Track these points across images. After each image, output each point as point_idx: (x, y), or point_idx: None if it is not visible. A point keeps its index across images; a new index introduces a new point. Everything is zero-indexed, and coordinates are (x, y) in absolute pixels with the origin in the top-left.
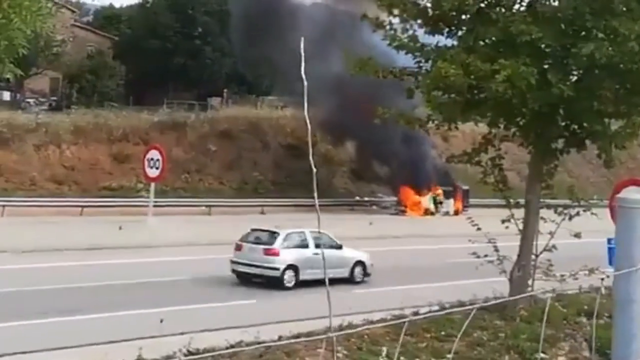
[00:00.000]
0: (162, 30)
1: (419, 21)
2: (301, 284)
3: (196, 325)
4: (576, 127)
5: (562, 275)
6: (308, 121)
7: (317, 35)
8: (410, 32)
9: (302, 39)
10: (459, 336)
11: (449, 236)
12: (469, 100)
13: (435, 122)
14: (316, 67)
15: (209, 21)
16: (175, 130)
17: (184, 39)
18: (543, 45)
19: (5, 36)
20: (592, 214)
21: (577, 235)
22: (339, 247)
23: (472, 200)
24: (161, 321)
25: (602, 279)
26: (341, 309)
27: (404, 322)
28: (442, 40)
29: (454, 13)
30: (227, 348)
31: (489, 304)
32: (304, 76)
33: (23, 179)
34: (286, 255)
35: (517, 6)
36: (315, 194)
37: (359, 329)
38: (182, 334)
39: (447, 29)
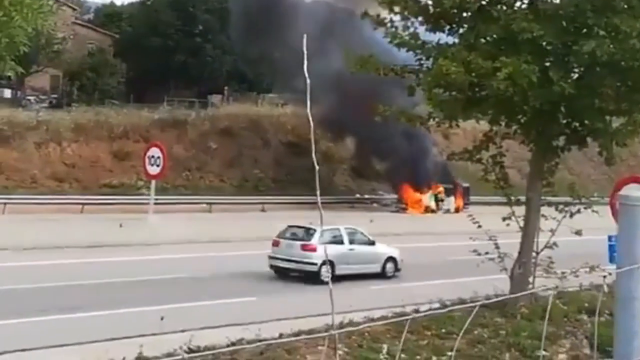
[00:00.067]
0: (163, 28)
1: (420, 19)
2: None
3: (197, 322)
4: (577, 124)
5: (562, 273)
6: (311, 119)
7: (317, 32)
8: (411, 29)
9: (305, 36)
10: (460, 334)
11: (450, 234)
12: (470, 98)
13: (436, 119)
14: (316, 64)
15: (209, 19)
16: (175, 127)
17: (184, 37)
18: (544, 43)
19: (6, 34)
20: (593, 211)
21: (578, 233)
22: (372, 243)
23: (472, 198)
24: (162, 319)
25: (604, 277)
26: (343, 307)
27: (406, 320)
28: (443, 37)
29: (455, 10)
30: (228, 345)
31: (490, 301)
32: (306, 74)
33: (24, 176)
34: (323, 251)
35: (518, 4)
36: (318, 192)
37: (362, 326)
38: (182, 331)
39: (448, 27)
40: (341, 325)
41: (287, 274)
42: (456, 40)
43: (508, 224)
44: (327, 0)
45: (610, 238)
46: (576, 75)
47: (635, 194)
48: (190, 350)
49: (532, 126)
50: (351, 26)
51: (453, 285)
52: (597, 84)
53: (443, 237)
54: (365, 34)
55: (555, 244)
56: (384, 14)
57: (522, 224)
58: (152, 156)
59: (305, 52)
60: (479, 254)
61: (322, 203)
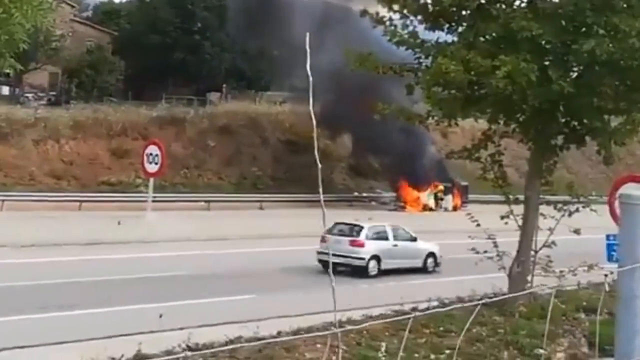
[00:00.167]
0: (162, 26)
1: (419, 17)
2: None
3: (195, 320)
4: (576, 123)
5: (561, 272)
6: (313, 116)
7: (314, 29)
8: (410, 28)
9: (307, 35)
10: (462, 333)
11: (448, 232)
12: (469, 97)
13: (435, 118)
14: (314, 61)
15: (208, 16)
16: (174, 125)
17: (183, 34)
18: (543, 42)
19: (5, 31)
20: (592, 210)
21: (577, 232)
22: (414, 239)
23: (470, 196)
24: (160, 316)
25: (605, 275)
26: (346, 305)
27: (408, 319)
28: (442, 36)
29: (454, 9)
30: (226, 343)
31: (492, 300)
32: (309, 72)
33: (22, 173)
34: (370, 246)
35: (517, 2)
36: (321, 190)
37: (364, 325)
38: (181, 329)
39: (447, 25)
40: (341, 324)
41: (334, 268)
42: (455, 39)
43: (507, 223)
44: None
45: (608, 237)
46: (575, 74)
47: (637, 194)
48: (189, 348)
49: (531, 125)
50: (348, 22)
51: (451, 283)
52: (596, 83)
53: (441, 235)
54: (362, 30)
55: (553, 242)
56: (383, 12)
57: (520, 222)
58: (151, 154)
59: (307, 49)
60: (478, 253)
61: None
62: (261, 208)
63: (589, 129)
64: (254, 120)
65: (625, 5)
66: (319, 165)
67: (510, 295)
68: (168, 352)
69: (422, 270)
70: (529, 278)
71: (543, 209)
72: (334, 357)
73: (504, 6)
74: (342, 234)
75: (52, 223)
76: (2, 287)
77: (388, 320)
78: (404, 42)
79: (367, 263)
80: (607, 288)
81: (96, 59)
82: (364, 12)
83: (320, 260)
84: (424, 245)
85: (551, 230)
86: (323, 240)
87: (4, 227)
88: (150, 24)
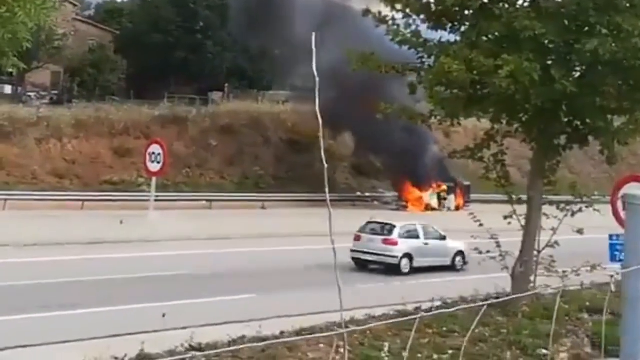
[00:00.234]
0: (164, 25)
1: (422, 16)
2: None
3: (197, 319)
4: (579, 123)
5: (564, 272)
6: (319, 117)
7: (316, 27)
8: (413, 27)
9: (314, 34)
10: (469, 334)
11: (451, 232)
12: (471, 96)
13: (438, 117)
14: (311, 61)
15: (210, 15)
16: (176, 124)
17: (185, 33)
18: (546, 41)
19: (9, 30)
20: (595, 210)
21: (580, 232)
22: (443, 238)
23: (473, 196)
24: (164, 315)
25: (612, 276)
26: (351, 304)
27: (415, 320)
28: (445, 35)
29: (457, 8)
30: (229, 343)
31: (498, 300)
32: (315, 72)
33: (24, 172)
34: (403, 245)
35: (520, 2)
36: (327, 190)
37: (372, 325)
38: (183, 328)
39: (450, 25)
40: (345, 324)
41: (365, 265)
42: (458, 38)
43: (509, 223)
44: None
45: (611, 237)
46: (578, 74)
47: None
48: (192, 348)
49: (533, 124)
50: (348, 21)
51: (454, 282)
52: (599, 83)
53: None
54: (363, 29)
55: (556, 242)
56: (386, 11)
57: (523, 222)
58: (153, 153)
59: (314, 49)
60: (480, 252)
61: (323, 201)
62: (263, 207)
63: (591, 128)
64: (256, 119)
65: (628, 5)
66: (325, 165)
67: (517, 296)
68: (171, 352)
69: (451, 268)
70: (531, 278)
71: (546, 209)
72: (337, 357)
73: (506, 5)
74: (374, 232)
75: (55, 222)
76: (5, 287)
77: (394, 321)
78: (406, 41)
79: (400, 261)
80: (612, 289)
81: (98, 58)
82: (367, 12)
83: (353, 258)
84: (453, 244)
85: (554, 230)
86: (357, 239)
87: (6, 226)
88: (152, 23)
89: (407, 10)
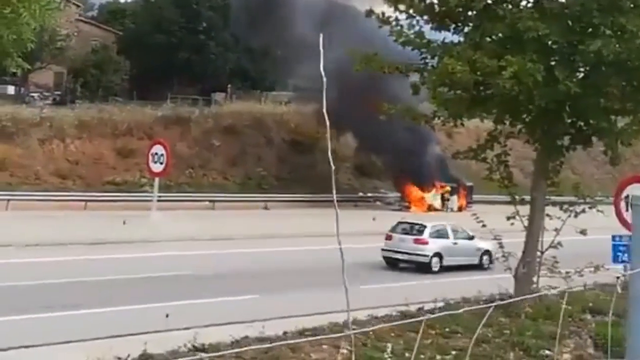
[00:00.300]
0: (167, 25)
1: (425, 17)
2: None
3: (200, 320)
4: (582, 124)
5: (567, 272)
6: (327, 118)
7: (318, 27)
8: (417, 28)
9: (321, 35)
10: (475, 336)
11: None
12: (475, 97)
13: (441, 118)
14: (318, 60)
15: (213, 16)
16: (179, 125)
17: (188, 34)
18: (550, 42)
19: (13, 30)
20: (599, 211)
21: (583, 232)
22: (471, 237)
23: (475, 197)
24: (167, 316)
25: (618, 278)
26: (353, 304)
27: (420, 321)
28: (449, 36)
29: (461, 9)
30: (232, 344)
31: (504, 302)
32: (322, 73)
33: (27, 173)
34: (433, 244)
35: (524, 2)
36: (334, 191)
37: (379, 326)
38: (186, 329)
39: (453, 25)
40: (345, 324)
41: (396, 264)
42: (461, 39)
43: (512, 223)
44: None
45: (614, 238)
46: (582, 75)
47: None
48: (195, 348)
49: (537, 125)
50: (349, 20)
51: (456, 283)
52: (602, 84)
53: None
54: (364, 28)
55: (559, 243)
56: (389, 12)
57: (526, 223)
58: (156, 153)
59: (321, 50)
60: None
61: (324, 201)
62: (266, 208)
63: (595, 129)
64: (258, 120)
65: (632, 6)
66: (333, 167)
67: (521, 297)
68: (174, 352)
69: (478, 267)
70: (534, 279)
71: (549, 209)
72: (339, 358)
73: (510, 6)
74: (405, 232)
75: (57, 222)
76: (7, 287)
77: (402, 322)
78: (410, 42)
79: (430, 260)
80: (619, 290)
81: (101, 59)
82: (370, 12)
83: (385, 257)
84: (480, 244)
85: (557, 230)
86: (388, 238)
87: (9, 227)
88: (155, 24)
89: (411, 11)
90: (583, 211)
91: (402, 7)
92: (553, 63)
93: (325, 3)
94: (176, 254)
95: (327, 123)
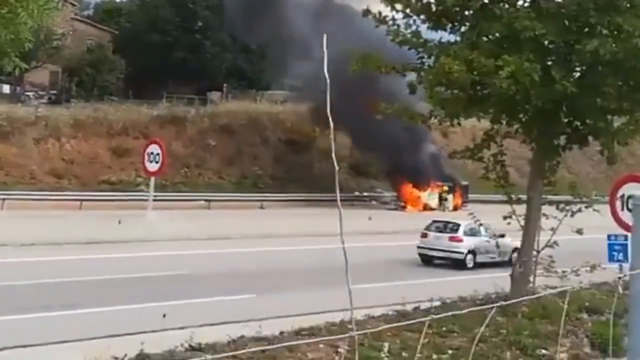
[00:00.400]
0: (162, 24)
1: (422, 17)
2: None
3: (196, 319)
4: (579, 123)
5: (563, 272)
6: (331, 119)
7: (314, 24)
8: (414, 27)
9: (325, 36)
10: (477, 337)
11: None
12: (471, 96)
13: (438, 117)
14: (313, 58)
15: (209, 15)
16: (174, 124)
17: (184, 33)
18: (547, 42)
19: (11, 30)
20: (595, 210)
21: (579, 232)
22: (502, 235)
23: (470, 196)
24: (164, 316)
25: (619, 278)
26: (354, 303)
27: (426, 321)
28: (445, 36)
29: (458, 9)
30: (228, 343)
31: (507, 303)
32: (326, 74)
33: (23, 172)
34: (467, 242)
35: (520, 2)
36: (337, 192)
37: (381, 327)
38: (181, 328)
39: (450, 25)
40: (342, 324)
41: (430, 261)
42: (458, 39)
43: (509, 223)
44: None
45: (609, 237)
46: (578, 74)
47: None
48: (192, 348)
49: (533, 125)
50: (343, 18)
51: (453, 282)
52: (599, 83)
53: None
54: (359, 25)
55: (556, 242)
56: (386, 11)
57: (522, 222)
58: (151, 153)
59: (325, 51)
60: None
61: (321, 200)
62: (262, 207)
63: (591, 129)
64: (254, 119)
65: (628, 5)
66: (336, 168)
67: (522, 298)
68: (171, 352)
69: (508, 263)
70: (531, 278)
71: (545, 209)
72: (336, 358)
73: (507, 6)
74: (440, 230)
75: (53, 222)
76: (3, 286)
77: (406, 323)
78: (407, 41)
79: (465, 257)
80: (620, 290)
81: (97, 58)
82: (367, 12)
83: (420, 254)
84: (510, 242)
85: (553, 230)
86: (424, 236)
87: (4, 226)
88: (151, 23)
89: (407, 11)
90: (579, 210)
91: (398, 6)
92: (550, 63)
93: (320, 2)
94: (172, 254)
95: (331, 125)
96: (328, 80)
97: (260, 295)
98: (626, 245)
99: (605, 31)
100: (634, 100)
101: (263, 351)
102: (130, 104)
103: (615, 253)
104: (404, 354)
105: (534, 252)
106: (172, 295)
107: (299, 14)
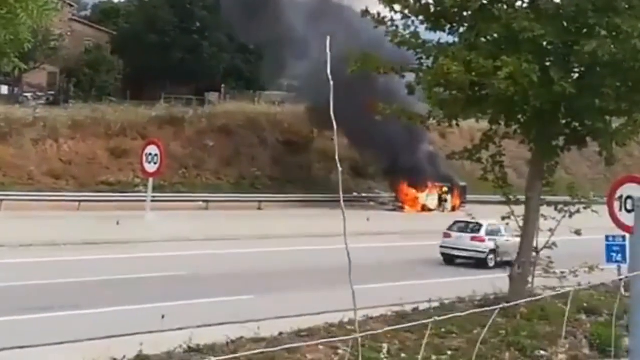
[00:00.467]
0: (161, 25)
1: (421, 17)
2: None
3: (195, 320)
4: (577, 124)
5: (562, 273)
6: (334, 121)
7: (311, 24)
8: (412, 28)
9: (328, 38)
10: (481, 338)
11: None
12: (470, 97)
13: (437, 118)
14: (310, 58)
15: (207, 16)
16: (173, 125)
17: (182, 34)
18: (545, 43)
19: (10, 31)
20: (593, 211)
21: (578, 233)
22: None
23: (469, 197)
24: (163, 317)
25: (621, 279)
26: (349, 304)
27: (429, 323)
28: (444, 37)
29: (456, 9)
30: (227, 344)
31: (511, 304)
32: (329, 76)
33: (21, 173)
34: (489, 242)
35: (519, 3)
36: (341, 193)
37: (384, 329)
38: (180, 329)
39: (449, 26)
40: (341, 325)
41: (452, 260)
42: (457, 40)
43: (507, 224)
44: None
45: (607, 238)
46: (577, 75)
47: None
48: (190, 349)
49: (532, 126)
50: (340, 17)
51: (451, 283)
52: (597, 84)
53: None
54: (355, 24)
55: (554, 244)
56: (385, 12)
57: (521, 223)
58: (150, 154)
59: (328, 52)
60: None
61: (319, 201)
62: (260, 208)
63: (590, 130)
64: (252, 120)
65: (627, 6)
66: (340, 169)
67: (524, 300)
68: (170, 353)
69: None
70: (529, 279)
71: (543, 210)
72: (335, 358)
73: (505, 7)
74: (462, 230)
75: (51, 223)
76: (1, 287)
77: (411, 324)
78: (405, 42)
79: (487, 256)
80: (623, 292)
81: (95, 59)
82: (366, 13)
83: (443, 254)
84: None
85: (552, 231)
86: (446, 236)
87: (2, 227)
88: (149, 24)
89: (406, 12)
90: (578, 211)
91: (397, 7)
92: (548, 64)
93: (318, 1)
94: (170, 255)
95: (335, 127)
96: (332, 82)
97: (259, 296)
98: (624, 246)
99: (603, 32)
100: (632, 101)
101: (262, 352)
102: (129, 104)
103: (613, 254)
104: (402, 354)
105: (533, 253)
106: (170, 296)
107: (296, 13)
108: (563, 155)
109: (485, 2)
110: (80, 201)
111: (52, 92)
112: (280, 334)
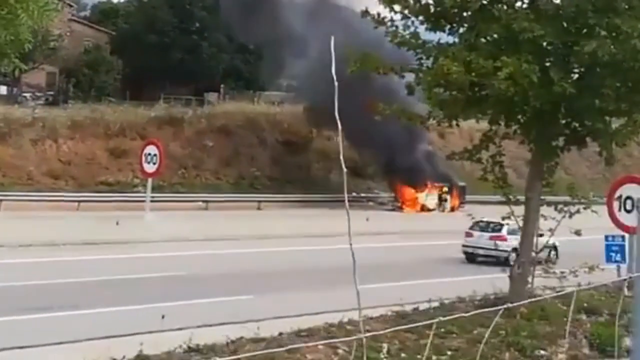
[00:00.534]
0: (160, 25)
1: (421, 18)
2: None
3: (195, 320)
4: (577, 125)
5: (562, 273)
6: (339, 122)
7: (310, 23)
8: (412, 29)
9: (332, 38)
10: (484, 339)
11: (448, 232)
12: (470, 98)
13: (436, 119)
14: (309, 58)
15: (206, 16)
16: (172, 125)
17: (181, 34)
18: (545, 43)
19: (11, 31)
20: (593, 211)
21: (577, 233)
22: (541, 235)
23: (468, 197)
24: (163, 317)
25: (625, 279)
26: (349, 304)
27: (432, 323)
28: (444, 37)
29: (456, 10)
30: (227, 344)
31: (515, 304)
32: (334, 76)
33: (20, 173)
34: (511, 241)
35: (519, 3)
36: (345, 193)
37: (387, 330)
38: (180, 329)
39: (448, 26)
40: (341, 324)
41: (474, 259)
42: (456, 40)
43: (507, 224)
44: None
45: (607, 238)
46: (577, 76)
47: None
48: (191, 349)
49: (532, 126)
50: (342, 18)
51: (452, 283)
52: (597, 85)
53: (442, 235)
54: (352, 22)
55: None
56: (384, 12)
57: (521, 223)
58: (149, 154)
59: (332, 52)
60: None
61: (318, 201)
62: (259, 208)
63: (590, 130)
64: (252, 120)
65: (627, 7)
66: (345, 170)
67: (528, 300)
68: (170, 353)
69: (547, 261)
70: (529, 279)
71: (543, 210)
72: (335, 358)
73: (505, 7)
74: (484, 229)
75: (50, 223)
76: (1, 288)
77: (416, 325)
78: (405, 43)
79: (509, 255)
80: (626, 292)
81: (94, 59)
82: (365, 13)
83: (465, 253)
84: (547, 241)
85: (552, 231)
86: (469, 235)
87: (1, 227)
88: (148, 24)
89: (406, 12)
90: (577, 212)
91: (397, 7)
92: (548, 64)
93: (316, 1)
94: (170, 255)
95: (339, 127)
96: (336, 83)
97: (259, 296)
98: (623, 246)
99: (603, 32)
100: (632, 101)
101: (262, 352)
102: (128, 105)
103: (612, 254)
104: (402, 354)
105: (533, 253)
106: (170, 296)
107: (294, 13)
108: (563, 156)
109: (485, 2)
110: (79, 201)
111: (51, 92)
112: (280, 334)
